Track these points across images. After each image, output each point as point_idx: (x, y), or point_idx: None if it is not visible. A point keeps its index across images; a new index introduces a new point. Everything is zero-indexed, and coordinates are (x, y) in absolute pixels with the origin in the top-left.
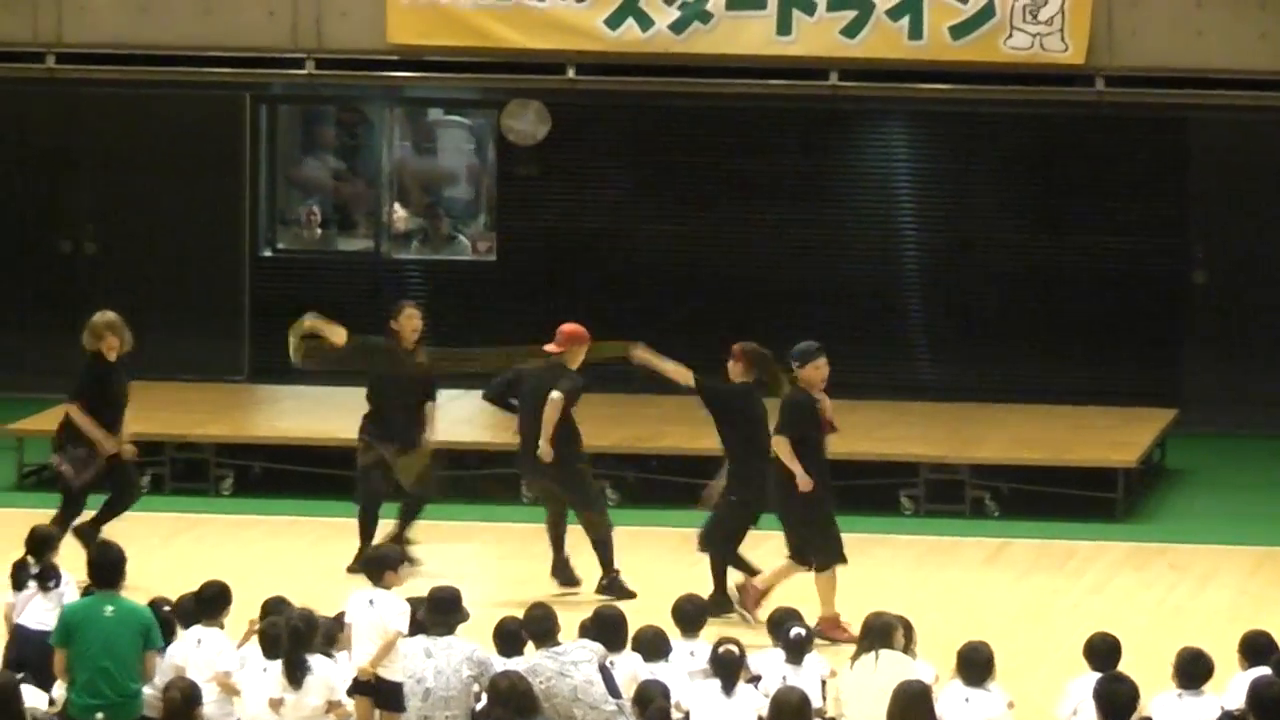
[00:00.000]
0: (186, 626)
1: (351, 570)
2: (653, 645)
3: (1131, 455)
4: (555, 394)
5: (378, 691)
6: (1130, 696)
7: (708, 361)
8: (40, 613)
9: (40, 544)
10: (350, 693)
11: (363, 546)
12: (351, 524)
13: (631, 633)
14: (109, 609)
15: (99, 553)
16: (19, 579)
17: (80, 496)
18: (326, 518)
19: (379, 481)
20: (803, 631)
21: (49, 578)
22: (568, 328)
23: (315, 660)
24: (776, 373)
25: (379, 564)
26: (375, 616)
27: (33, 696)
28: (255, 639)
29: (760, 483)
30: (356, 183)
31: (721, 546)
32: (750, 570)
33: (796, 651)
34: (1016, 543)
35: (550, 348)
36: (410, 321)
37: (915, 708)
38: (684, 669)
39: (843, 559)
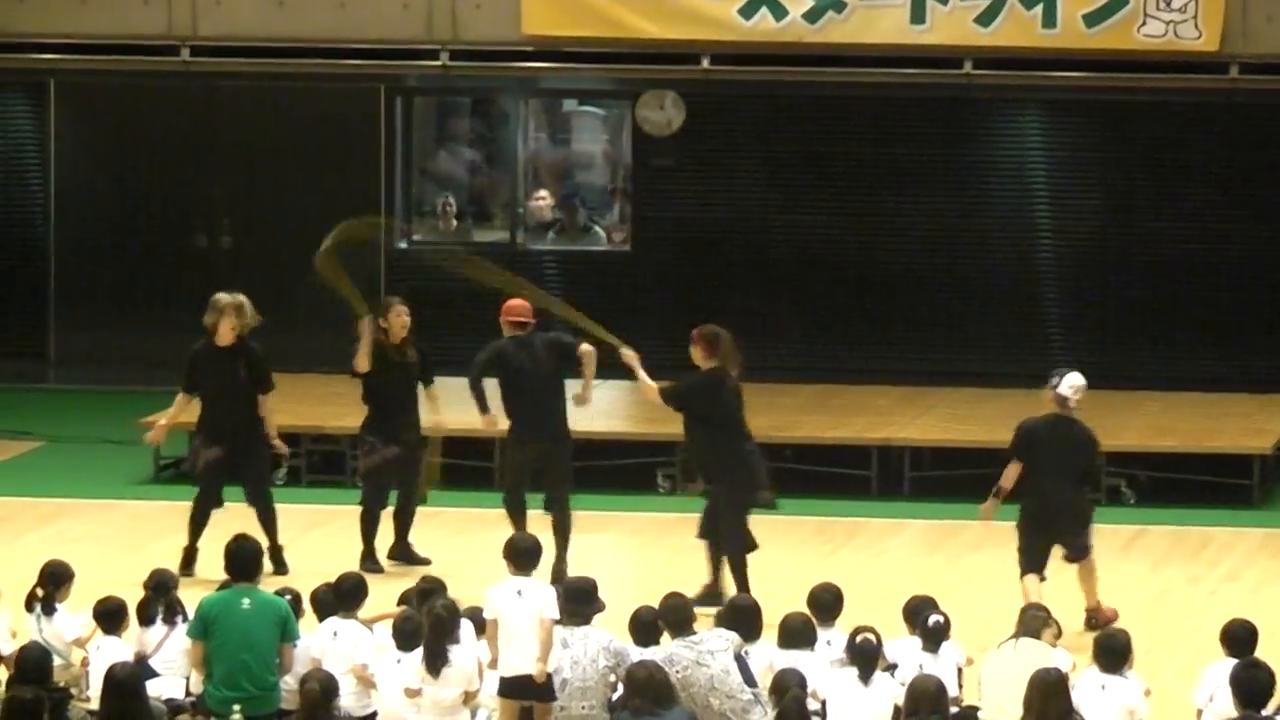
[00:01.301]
0: (323, 618)
1: (366, 569)
2: (800, 634)
3: (1267, 442)
4: (588, 345)
5: (537, 688)
6: (1268, 682)
7: (843, 346)
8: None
9: (162, 584)
10: (504, 694)
11: (367, 549)
12: (491, 515)
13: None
14: (246, 602)
15: (236, 545)
16: (147, 617)
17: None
18: (462, 508)
19: (385, 484)
20: (940, 619)
21: (175, 614)
22: (515, 302)
23: (454, 650)
24: (731, 354)
25: (528, 555)
26: (526, 607)
27: (168, 686)
28: (390, 629)
29: (746, 473)
30: (492, 174)
31: (731, 542)
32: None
33: (933, 639)
34: (1153, 530)
35: (511, 320)
36: (399, 319)
37: (1053, 695)
38: (823, 658)
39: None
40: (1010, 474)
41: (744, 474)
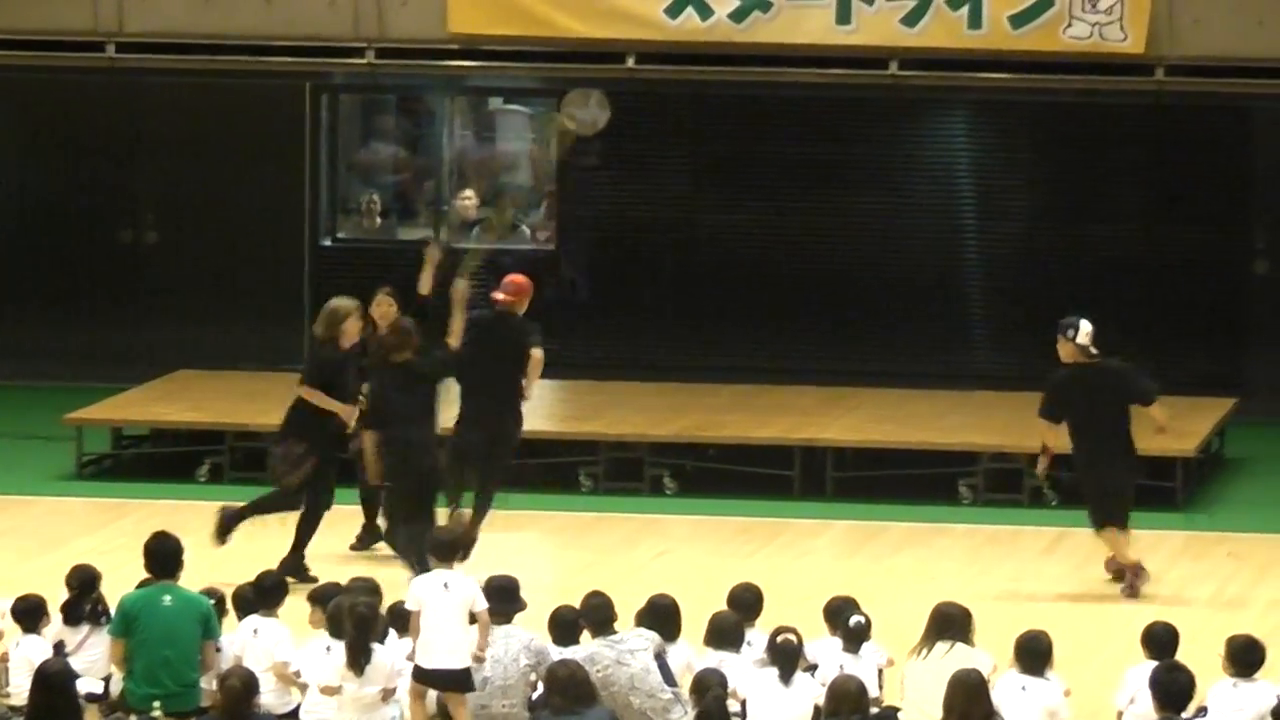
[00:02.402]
0: (244, 616)
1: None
2: (729, 633)
3: (1190, 444)
4: (538, 351)
5: (458, 678)
6: (1187, 685)
7: (768, 346)
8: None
9: (88, 582)
10: (422, 682)
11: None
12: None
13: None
14: (168, 599)
15: (157, 543)
16: (73, 616)
17: (289, 496)
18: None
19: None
20: (861, 620)
21: (100, 614)
22: (518, 277)
23: (376, 648)
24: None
25: (452, 547)
26: (452, 599)
27: (86, 685)
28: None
29: None
30: (417, 172)
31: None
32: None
33: (855, 640)
34: (1075, 532)
35: (500, 296)
36: (379, 308)
37: (974, 697)
38: (744, 658)
39: None
40: (1049, 434)
41: None
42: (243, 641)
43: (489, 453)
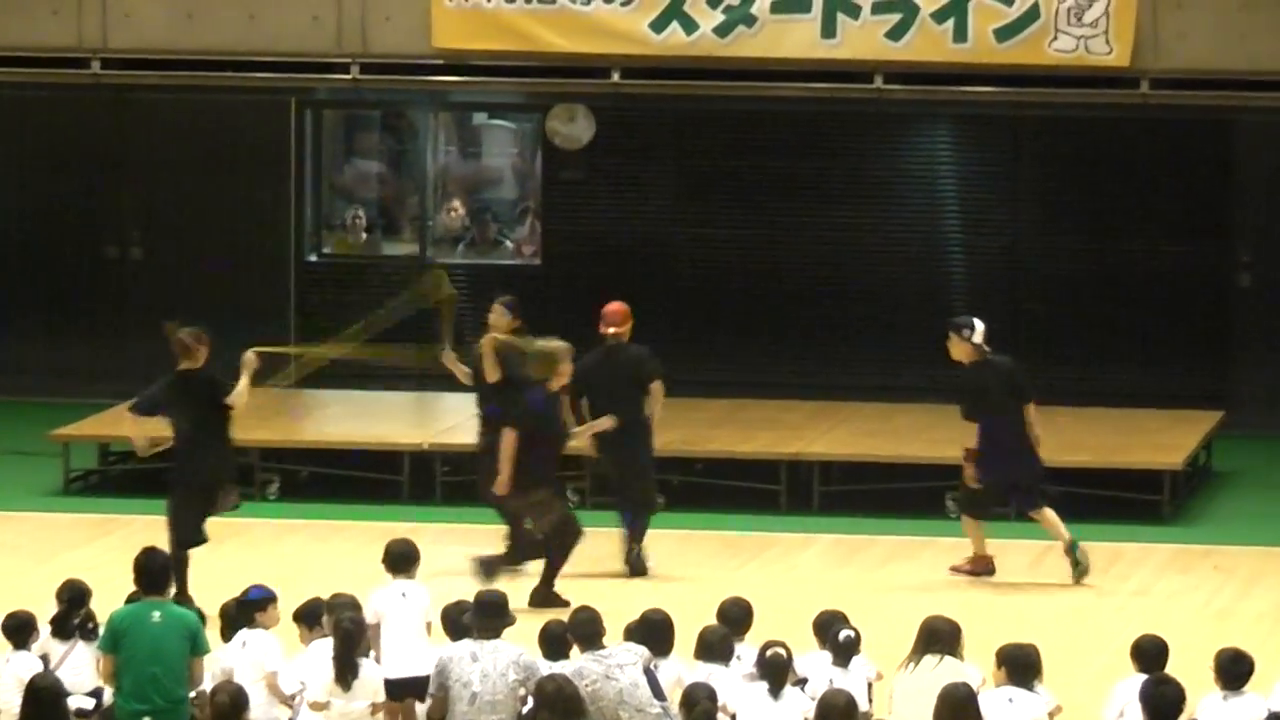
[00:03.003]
0: (233, 630)
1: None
2: (717, 647)
3: (1177, 457)
4: (658, 384)
5: (420, 684)
6: (1177, 698)
7: (754, 361)
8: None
9: (78, 596)
10: (391, 696)
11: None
12: (391, 528)
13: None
14: (156, 615)
15: (146, 558)
16: (62, 630)
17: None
18: (372, 521)
19: None
20: (850, 634)
21: (90, 630)
22: (618, 306)
23: (363, 662)
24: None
25: (407, 558)
26: (411, 607)
27: (74, 701)
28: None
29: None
30: (401, 187)
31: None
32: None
33: (844, 654)
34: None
35: (610, 330)
36: (493, 317)
37: (962, 711)
38: (734, 672)
39: None
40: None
41: None
42: (232, 655)
43: (624, 481)
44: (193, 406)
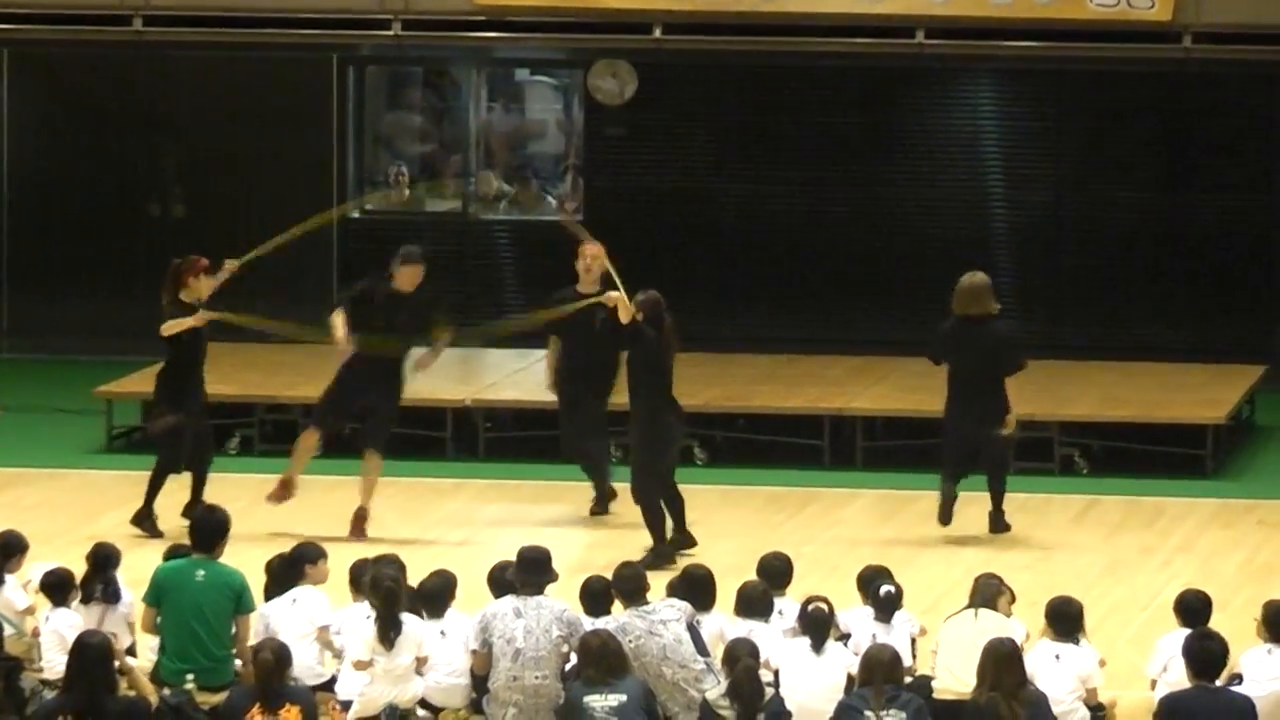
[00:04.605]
0: (279, 588)
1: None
2: (756, 602)
3: (1221, 412)
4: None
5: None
6: (1220, 652)
7: (797, 317)
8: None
9: (103, 560)
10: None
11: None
12: (435, 484)
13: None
14: (200, 573)
15: (203, 515)
16: (85, 594)
17: None
18: (416, 478)
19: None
20: (892, 589)
21: (112, 594)
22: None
23: (406, 619)
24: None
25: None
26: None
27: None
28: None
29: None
30: (444, 143)
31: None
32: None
33: (886, 609)
34: (1105, 500)
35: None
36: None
37: (1007, 665)
38: (775, 628)
39: None
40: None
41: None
42: (281, 611)
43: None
44: None
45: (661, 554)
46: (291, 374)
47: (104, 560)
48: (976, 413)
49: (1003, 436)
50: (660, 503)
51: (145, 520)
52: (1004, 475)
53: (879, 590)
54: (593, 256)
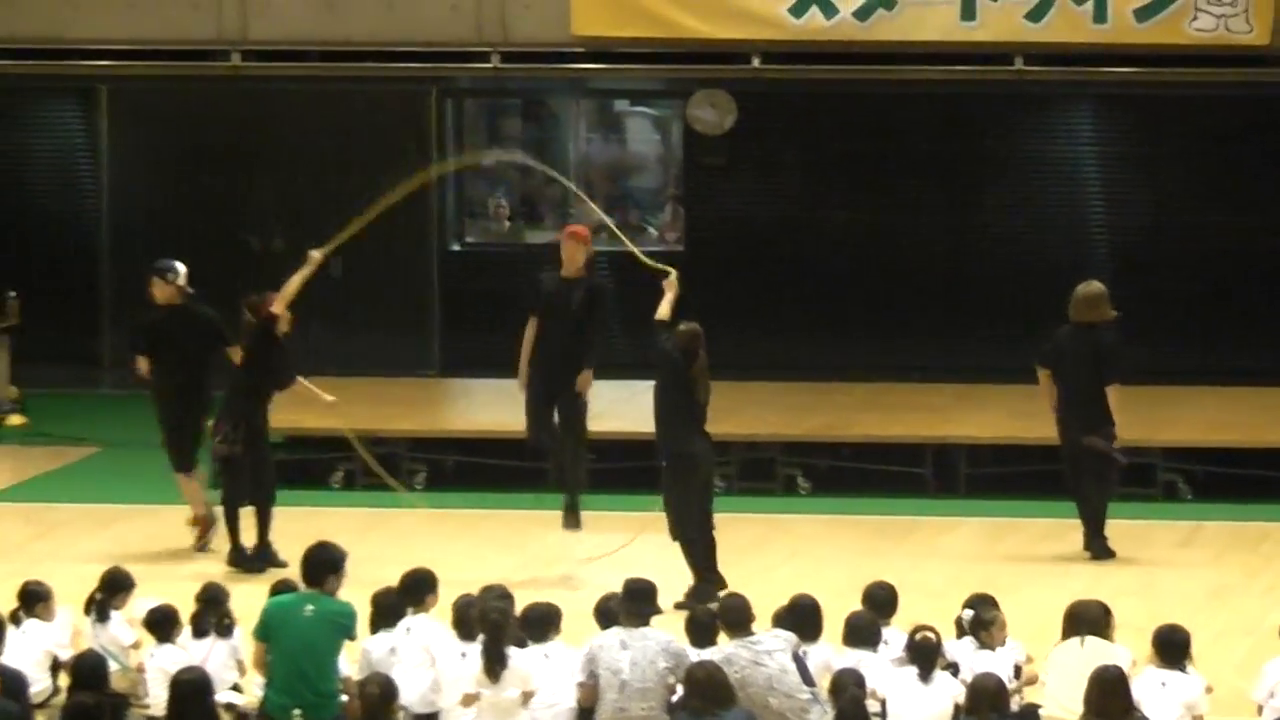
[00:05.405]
0: (392, 620)
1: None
2: (864, 631)
3: None
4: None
5: None
6: None
7: (897, 344)
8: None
9: (213, 598)
10: None
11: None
12: (540, 516)
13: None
14: (310, 608)
15: (317, 550)
16: (198, 629)
17: None
18: (521, 510)
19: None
20: (972, 612)
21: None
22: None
23: (512, 652)
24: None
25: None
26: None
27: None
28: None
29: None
30: (543, 175)
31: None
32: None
33: (973, 633)
34: (1209, 525)
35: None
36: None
37: (1113, 692)
38: (882, 657)
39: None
40: None
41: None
42: (394, 643)
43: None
44: None
45: (701, 593)
46: (393, 407)
47: (214, 598)
48: (1080, 421)
49: (1096, 446)
50: (697, 538)
51: (238, 557)
52: (1104, 494)
53: (969, 617)
54: (583, 238)
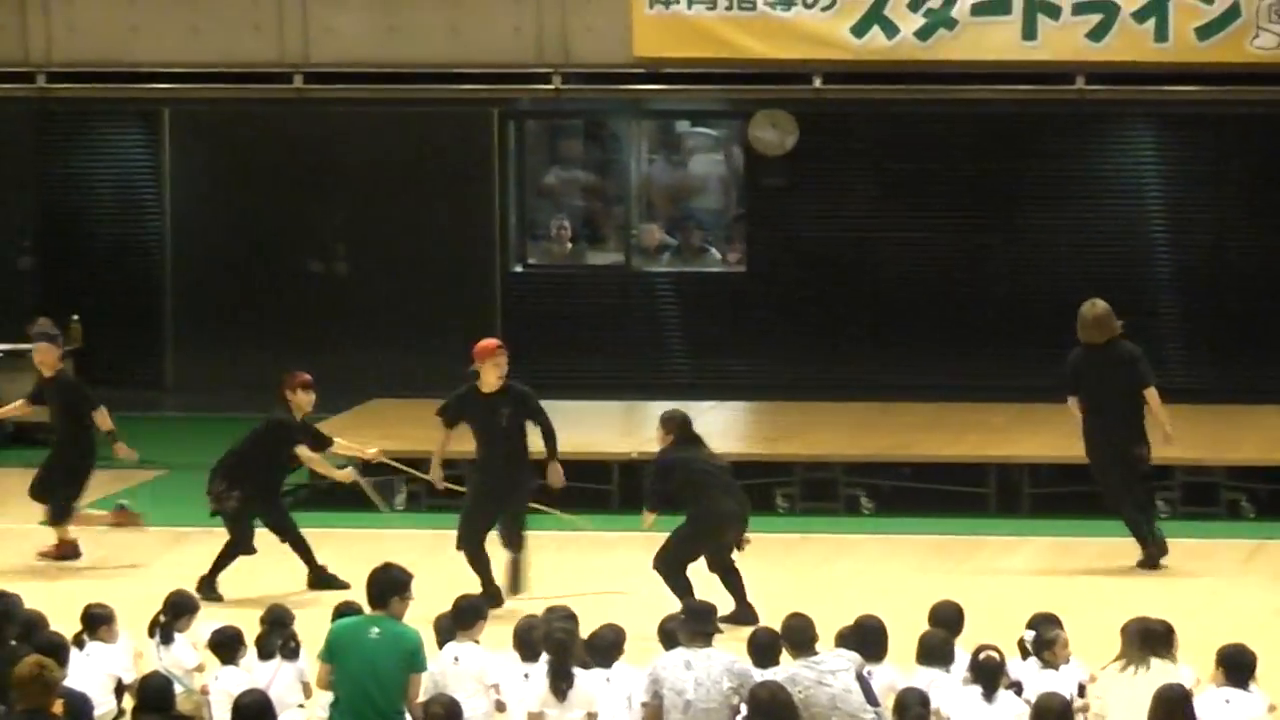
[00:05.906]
0: (443, 643)
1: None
2: (938, 651)
3: None
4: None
5: None
6: None
7: (958, 364)
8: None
9: (278, 621)
10: None
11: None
12: (600, 537)
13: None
14: (375, 631)
15: (378, 572)
16: (264, 651)
17: None
18: (585, 531)
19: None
20: (1035, 633)
21: (292, 650)
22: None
23: (578, 672)
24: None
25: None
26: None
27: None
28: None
29: None
30: (605, 196)
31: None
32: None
33: (1037, 652)
34: (1273, 544)
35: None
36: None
37: (1176, 710)
38: (951, 677)
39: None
40: None
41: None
42: (443, 669)
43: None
44: None
45: (742, 617)
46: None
47: (279, 620)
48: (1117, 435)
49: (1144, 455)
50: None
51: (206, 586)
52: (1150, 499)
53: (1031, 638)
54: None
